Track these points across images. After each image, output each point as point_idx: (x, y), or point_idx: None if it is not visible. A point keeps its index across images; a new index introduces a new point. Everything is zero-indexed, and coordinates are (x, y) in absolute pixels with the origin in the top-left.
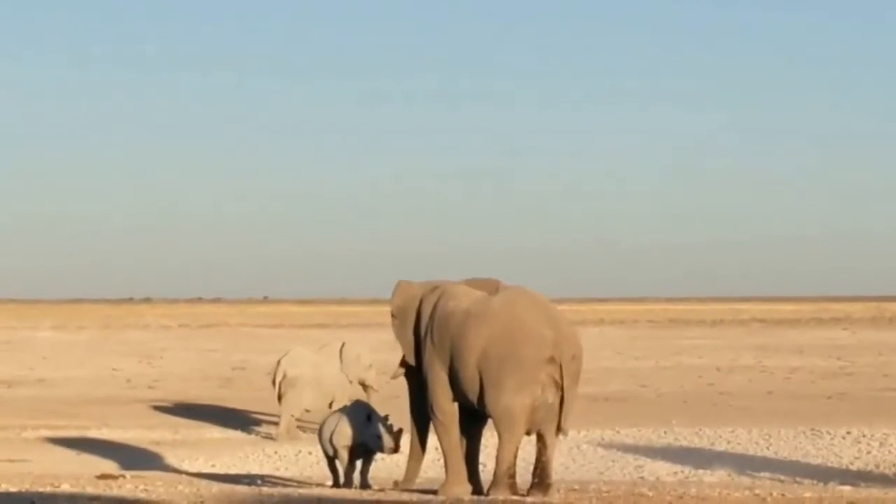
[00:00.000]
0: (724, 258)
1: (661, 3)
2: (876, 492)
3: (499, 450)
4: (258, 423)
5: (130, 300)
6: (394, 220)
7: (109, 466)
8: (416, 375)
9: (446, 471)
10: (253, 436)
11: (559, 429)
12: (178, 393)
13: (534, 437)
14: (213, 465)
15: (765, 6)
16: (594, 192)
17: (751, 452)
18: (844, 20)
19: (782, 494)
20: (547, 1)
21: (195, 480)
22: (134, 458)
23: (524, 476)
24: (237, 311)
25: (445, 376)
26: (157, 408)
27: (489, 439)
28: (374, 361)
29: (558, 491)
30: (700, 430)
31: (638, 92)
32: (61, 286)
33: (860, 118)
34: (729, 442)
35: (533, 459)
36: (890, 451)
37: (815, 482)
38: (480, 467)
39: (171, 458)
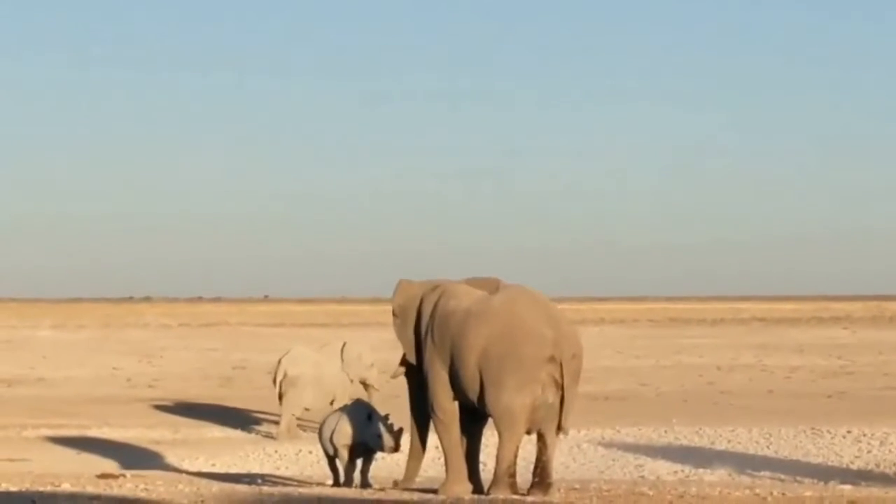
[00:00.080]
0: (725, 257)
1: (661, 3)
2: (876, 491)
3: (499, 449)
4: (258, 422)
5: (130, 299)
6: (394, 220)
7: (110, 466)
8: (416, 374)
9: (447, 470)
10: (253, 435)
11: (559, 428)
12: (178, 392)
13: (534, 437)
14: (214, 465)
15: (765, 6)
16: (594, 192)
17: (751, 451)
18: (844, 20)
19: (783, 493)
20: (547, 1)
21: (195, 480)
22: (134, 457)
23: (524, 475)
24: (237, 310)
25: (446, 375)
26: (157, 407)
27: (489, 438)
28: (375, 360)
29: (559, 490)
30: (700, 429)
31: (638, 92)
32: (61, 285)
33: (860, 118)
34: (729, 441)
35: (533, 458)
36: (890, 450)
37: (815, 481)
38: (481, 466)
39: (171, 458)
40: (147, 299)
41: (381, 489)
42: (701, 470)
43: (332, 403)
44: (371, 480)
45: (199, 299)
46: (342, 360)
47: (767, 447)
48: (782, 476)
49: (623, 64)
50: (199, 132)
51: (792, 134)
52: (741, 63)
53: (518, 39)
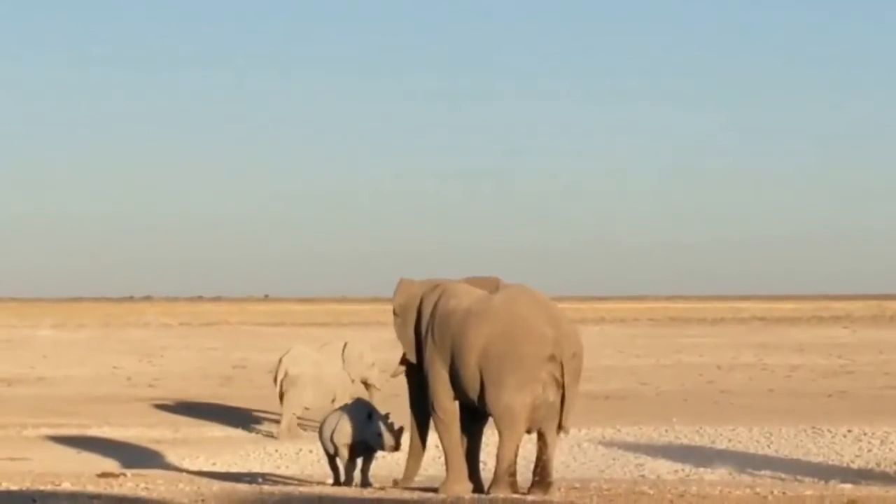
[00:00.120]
0: (725, 257)
1: (661, 2)
2: (877, 490)
3: (499, 448)
4: (259, 421)
5: (131, 298)
6: (394, 220)
7: (110, 465)
8: (416, 373)
9: (447, 469)
10: (254, 434)
11: (560, 427)
12: (178, 391)
13: (534, 436)
14: (214, 464)
15: (765, 6)
16: (594, 192)
17: (751, 451)
18: (844, 20)
19: (783, 493)
20: (547, 1)
21: (196, 479)
22: (135, 456)
23: (525, 474)
24: (238, 309)
25: (446, 374)
26: (157, 406)
27: (490, 437)
28: (376, 360)
29: (559, 489)
30: (701, 428)
31: (638, 92)
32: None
33: (860, 118)
34: (730, 440)
35: (534, 458)
36: (891, 450)
37: (815, 480)
38: (481, 465)
39: (171, 457)
40: (147, 299)
41: (382, 488)
42: (701, 469)
43: (332, 402)
44: (371, 479)
45: (200, 299)
46: (344, 359)
47: (768, 446)
48: (783, 475)
49: (623, 64)
50: (199, 132)
51: (792, 134)
52: (741, 63)
53: (518, 39)
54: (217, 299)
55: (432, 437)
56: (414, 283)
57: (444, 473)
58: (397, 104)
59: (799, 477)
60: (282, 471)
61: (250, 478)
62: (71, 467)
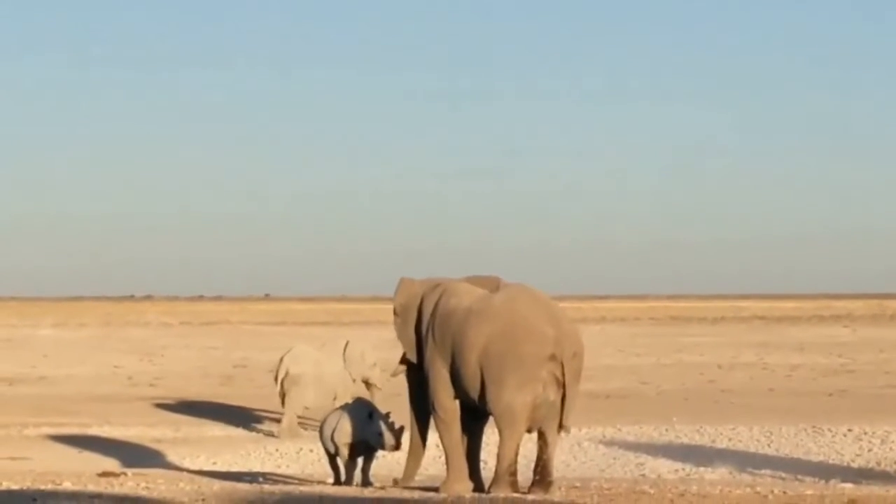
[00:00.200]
0: (725, 256)
1: (661, 2)
2: (877, 489)
3: (500, 447)
4: (259, 420)
5: (131, 298)
6: (394, 220)
7: (111, 464)
8: (416, 373)
9: (447, 468)
10: (254, 433)
11: (561, 426)
12: (179, 391)
13: (535, 435)
14: (215, 463)
15: (765, 6)
16: (594, 192)
17: (752, 450)
18: (844, 20)
19: (783, 492)
20: (547, 1)
21: (196, 478)
22: (135, 455)
23: (525, 473)
24: (238, 308)
25: (447, 374)
26: (158, 405)
27: (490, 437)
28: (377, 359)
29: (559, 488)
30: (701, 427)
31: (638, 92)
32: (62, 284)
33: (860, 118)
34: (730, 439)
35: (534, 457)
36: (891, 449)
37: (816, 480)
38: (482, 465)
39: (172, 456)
40: (148, 298)
41: (382, 487)
42: (702, 468)
43: (333, 401)
44: (372, 479)
45: (200, 298)
46: (345, 359)
47: (768, 445)
48: (783, 474)
49: (623, 64)
50: (199, 132)
51: (792, 134)
52: (741, 63)
53: (518, 39)
54: (218, 298)
55: (433, 437)
56: (414, 282)
57: (444, 473)
58: (397, 104)
59: (799, 476)
60: (282, 470)
61: (251, 477)
62: (72, 466)
